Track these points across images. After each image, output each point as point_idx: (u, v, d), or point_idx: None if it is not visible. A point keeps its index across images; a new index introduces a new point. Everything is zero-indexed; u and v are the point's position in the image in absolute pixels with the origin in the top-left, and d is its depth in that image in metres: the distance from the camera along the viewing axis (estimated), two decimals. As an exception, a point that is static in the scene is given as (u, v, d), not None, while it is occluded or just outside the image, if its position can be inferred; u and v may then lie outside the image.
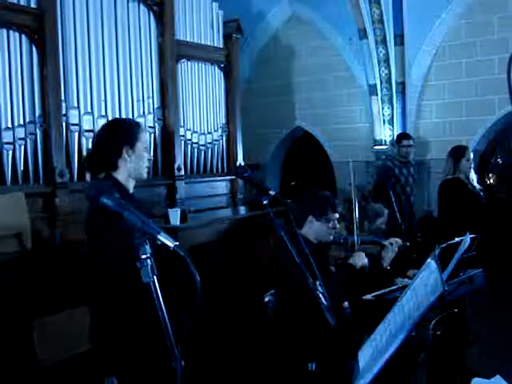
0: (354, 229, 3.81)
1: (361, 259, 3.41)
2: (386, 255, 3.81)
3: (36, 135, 4.93)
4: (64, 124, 5.12)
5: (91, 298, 2.64)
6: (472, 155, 5.51)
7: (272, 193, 2.72)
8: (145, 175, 2.78)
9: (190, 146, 6.46)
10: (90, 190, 1.65)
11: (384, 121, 8.17)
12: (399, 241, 3.87)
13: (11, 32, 4.75)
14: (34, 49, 4.91)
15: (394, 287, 3.88)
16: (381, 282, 3.73)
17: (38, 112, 4.94)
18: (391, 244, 3.81)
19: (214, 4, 6.85)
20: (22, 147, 4.84)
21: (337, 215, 3.47)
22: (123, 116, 5.59)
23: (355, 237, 3.71)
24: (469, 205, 5.24)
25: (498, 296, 5.52)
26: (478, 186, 5.47)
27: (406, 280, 3.99)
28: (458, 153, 5.49)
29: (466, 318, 4.48)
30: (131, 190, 2.74)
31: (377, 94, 8.14)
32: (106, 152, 2.67)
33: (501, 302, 5.60)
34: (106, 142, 2.70)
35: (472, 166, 5.47)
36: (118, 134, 2.72)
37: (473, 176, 5.47)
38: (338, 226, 3.54)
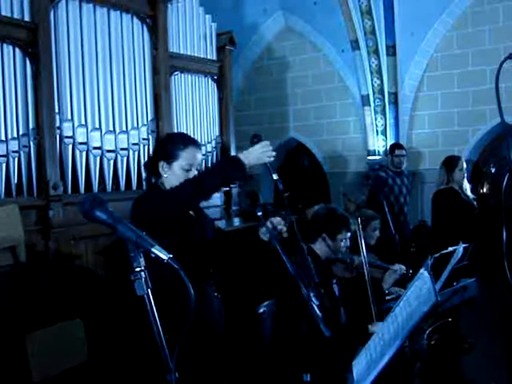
0: (363, 250, 3.78)
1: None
2: (389, 279, 3.83)
3: (30, 148, 4.93)
4: (58, 137, 5.12)
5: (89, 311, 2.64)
6: (465, 165, 5.55)
7: (259, 214, 2.79)
8: None
9: (184, 158, 6.45)
10: (84, 203, 1.65)
11: (377, 131, 8.21)
12: (403, 268, 3.89)
13: (5, 45, 4.77)
14: (27, 62, 4.93)
15: (388, 297, 3.90)
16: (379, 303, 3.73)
17: (31, 125, 4.95)
18: (395, 270, 3.83)
19: (207, 16, 6.89)
20: (16, 160, 4.84)
21: (349, 235, 3.50)
22: (116, 128, 5.60)
23: (362, 258, 3.69)
24: (462, 215, 5.26)
25: (492, 305, 5.53)
26: (471, 196, 5.50)
27: (400, 290, 4.00)
28: (451, 163, 5.52)
29: (461, 327, 4.49)
30: None
31: (369, 105, 8.18)
32: (150, 161, 2.85)
33: (495, 311, 5.61)
34: (152, 152, 2.92)
35: (465, 175, 5.50)
36: (157, 148, 2.89)
37: (466, 186, 5.49)
38: (348, 244, 3.56)
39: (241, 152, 2.70)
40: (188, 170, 2.71)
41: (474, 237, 4.30)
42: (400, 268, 3.88)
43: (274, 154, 2.66)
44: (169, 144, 2.78)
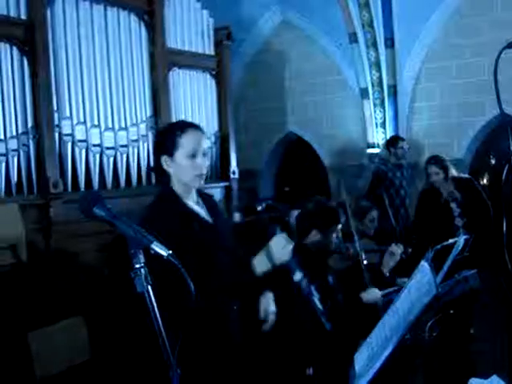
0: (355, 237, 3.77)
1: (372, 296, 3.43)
2: (389, 261, 3.80)
3: (29, 146, 4.93)
4: (57, 134, 5.12)
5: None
6: (437, 168, 5.45)
7: (259, 208, 2.76)
8: (194, 185, 2.44)
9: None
10: (83, 201, 1.65)
11: (376, 124, 8.19)
12: (401, 248, 3.86)
13: (2, 44, 4.76)
14: (25, 60, 4.92)
15: (391, 289, 3.90)
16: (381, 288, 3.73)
17: (30, 123, 4.94)
18: (393, 253, 3.81)
19: (204, 12, 6.87)
20: (16, 158, 4.84)
21: (340, 226, 3.49)
22: (115, 125, 5.60)
23: (356, 245, 3.67)
24: (436, 216, 5.24)
25: (493, 296, 5.54)
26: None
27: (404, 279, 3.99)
28: (425, 164, 5.49)
29: (462, 319, 4.49)
30: (190, 199, 2.46)
31: (368, 98, 8.16)
32: (154, 162, 2.52)
33: (496, 302, 5.62)
34: (153, 151, 2.59)
35: (442, 176, 5.44)
36: (156, 143, 2.57)
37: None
38: (340, 235, 3.55)
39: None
40: (193, 156, 2.37)
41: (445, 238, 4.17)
42: (398, 249, 3.84)
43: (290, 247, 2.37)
44: (165, 135, 2.46)
